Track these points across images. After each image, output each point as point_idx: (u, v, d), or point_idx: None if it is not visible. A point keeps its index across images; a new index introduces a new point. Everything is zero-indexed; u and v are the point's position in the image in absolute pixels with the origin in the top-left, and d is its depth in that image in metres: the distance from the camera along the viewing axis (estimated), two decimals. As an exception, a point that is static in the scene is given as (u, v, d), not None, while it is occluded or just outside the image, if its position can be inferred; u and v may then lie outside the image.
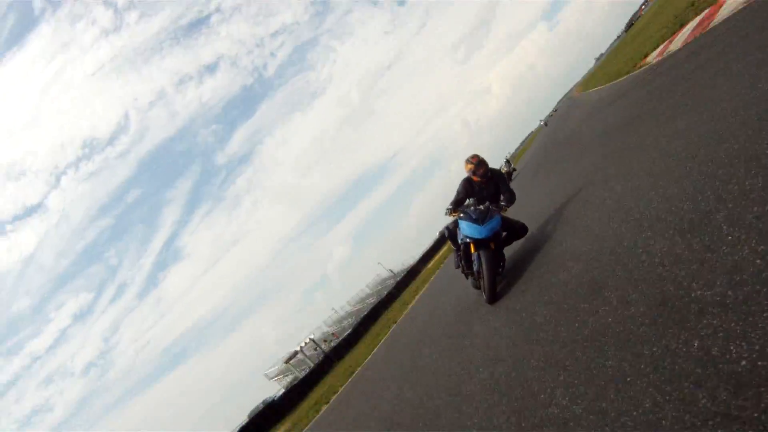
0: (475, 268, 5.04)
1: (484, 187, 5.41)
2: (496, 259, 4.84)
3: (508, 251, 5.68)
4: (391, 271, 62.06)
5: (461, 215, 5.06)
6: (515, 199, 5.34)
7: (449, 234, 5.68)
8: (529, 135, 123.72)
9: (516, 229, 5.20)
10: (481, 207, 4.98)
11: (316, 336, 54.39)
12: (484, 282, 4.65)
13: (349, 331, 37.24)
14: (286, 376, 50.24)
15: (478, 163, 5.37)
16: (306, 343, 53.89)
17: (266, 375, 52.87)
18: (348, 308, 57.10)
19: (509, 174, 24.32)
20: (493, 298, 4.59)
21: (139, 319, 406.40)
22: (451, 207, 5.37)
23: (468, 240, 4.95)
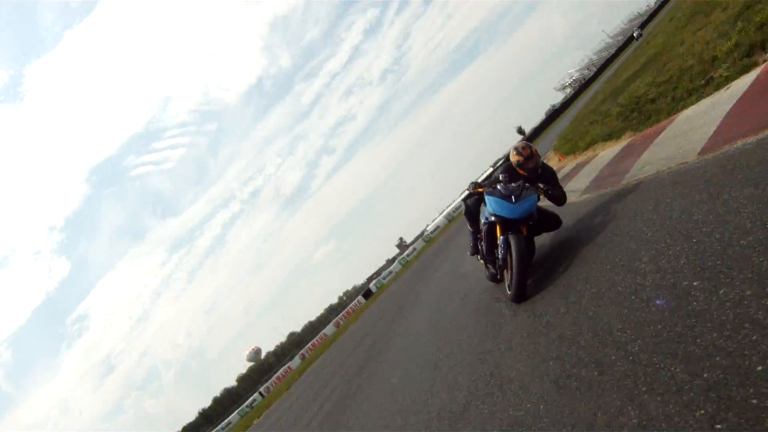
0: (499, 255, 4.00)
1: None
2: (529, 247, 4.02)
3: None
4: (608, 35, 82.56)
5: (488, 190, 4.12)
6: (565, 201, 4.45)
7: (467, 211, 4.81)
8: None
9: (548, 221, 4.34)
10: (514, 184, 4.04)
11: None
12: (512, 274, 3.67)
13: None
14: (567, 88, 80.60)
15: (528, 156, 4.37)
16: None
17: (554, 88, 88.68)
18: (593, 57, 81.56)
19: None
20: (522, 296, 3.65)
21: (428, 24, 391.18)
22: (476, 182, 4.47)
23: (493, 219, 4.02)
